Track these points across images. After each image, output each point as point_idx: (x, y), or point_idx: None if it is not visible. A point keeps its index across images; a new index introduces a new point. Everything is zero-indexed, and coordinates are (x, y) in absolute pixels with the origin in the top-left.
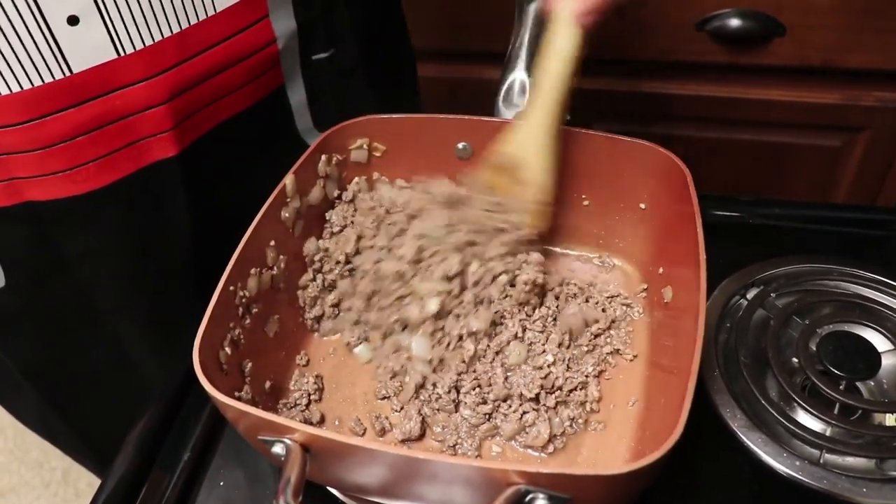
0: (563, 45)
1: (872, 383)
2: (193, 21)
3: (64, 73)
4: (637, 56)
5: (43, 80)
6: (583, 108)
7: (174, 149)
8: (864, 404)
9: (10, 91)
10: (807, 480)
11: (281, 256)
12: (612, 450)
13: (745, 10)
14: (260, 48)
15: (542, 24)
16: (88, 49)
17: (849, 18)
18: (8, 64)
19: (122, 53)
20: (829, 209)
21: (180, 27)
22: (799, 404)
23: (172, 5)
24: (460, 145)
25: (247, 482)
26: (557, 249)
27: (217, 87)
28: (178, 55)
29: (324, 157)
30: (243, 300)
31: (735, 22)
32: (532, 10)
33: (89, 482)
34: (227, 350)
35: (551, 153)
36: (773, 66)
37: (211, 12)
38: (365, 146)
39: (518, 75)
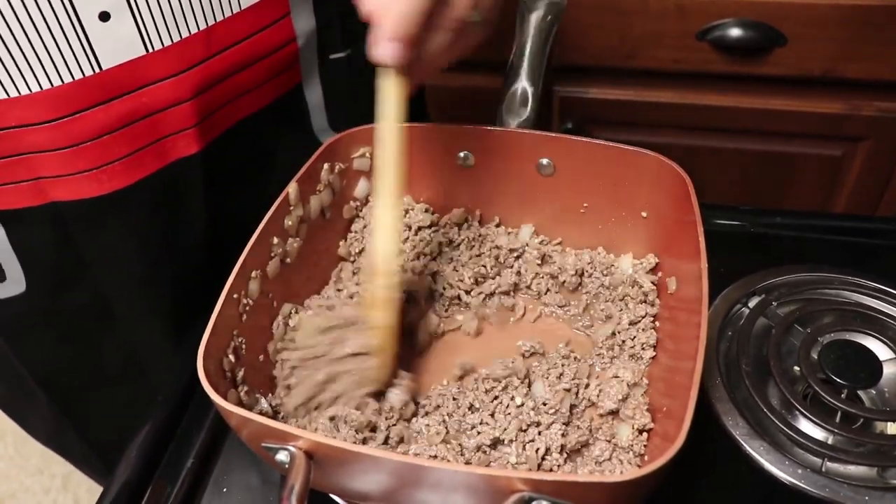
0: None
1: (874, 392)
2: (220, 17)
3: (94, 70)
4: (638, 65)
5: (73, 77)
6: (584, 117)
7: (196, 146)
8: (866, 413)
9: (41, 88)
10: (809, 489)
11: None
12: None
13: (746, 20)
14: (281, 46)
15: (543, 33)
16: (118, 45)
17: (849, 29)
18: (40, 60)
19: (151, 49)
20: (830, 218)
21: (207, 24)
22: (801, 412)
23: (200, 1)
24: (462, 154)
25: (251, 489)
26: None
27: (239, 85)
28: (205, 52)
29: (326, 166)
30: (246, 308)
31: (736, 32)
32: (533, 19)
33: (89, 489)
34: (231, 357)
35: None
36: (774, 75)
37: (237, 9)
38: (367, 154)
39: (520, 85)
